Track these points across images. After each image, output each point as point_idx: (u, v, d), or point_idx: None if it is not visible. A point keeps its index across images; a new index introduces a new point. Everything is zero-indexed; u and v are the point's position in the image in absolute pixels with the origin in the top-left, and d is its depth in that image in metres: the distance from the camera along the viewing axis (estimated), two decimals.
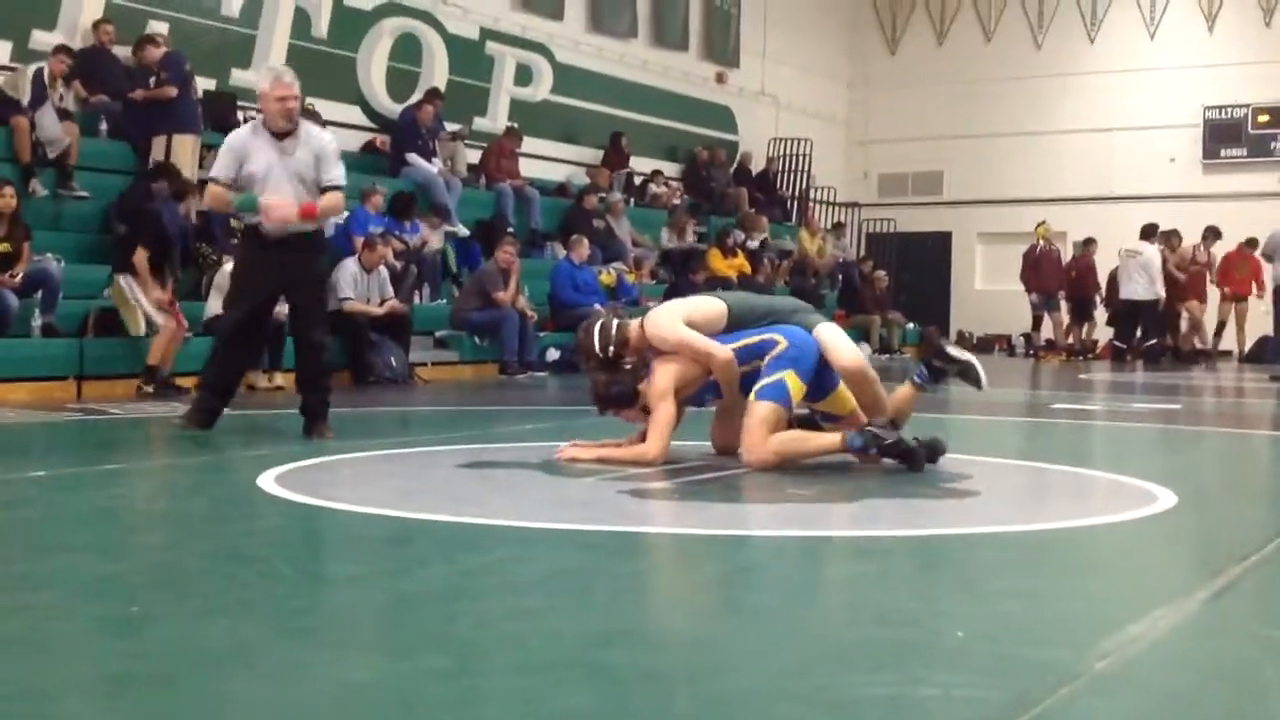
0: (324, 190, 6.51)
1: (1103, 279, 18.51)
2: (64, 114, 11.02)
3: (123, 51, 12.04)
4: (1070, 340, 18.95)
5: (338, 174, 6.56)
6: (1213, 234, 18.18)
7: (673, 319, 5.72)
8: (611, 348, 5.71)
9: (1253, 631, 2.97)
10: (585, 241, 14.20)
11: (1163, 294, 17.47)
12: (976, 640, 2.76)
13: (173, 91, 11.38)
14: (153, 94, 11.40)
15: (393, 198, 13.08)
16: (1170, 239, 18.19)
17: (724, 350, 5.59)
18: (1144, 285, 17.28)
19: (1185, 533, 4.46)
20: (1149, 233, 17.59)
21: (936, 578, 3.52)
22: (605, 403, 5.79)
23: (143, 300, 9.57)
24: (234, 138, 6.65)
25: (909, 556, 3.84)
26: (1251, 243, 17.48)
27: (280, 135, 6.42)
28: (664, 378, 5.62)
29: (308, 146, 6.47)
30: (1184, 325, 18.18)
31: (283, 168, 6.39)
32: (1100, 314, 18.79)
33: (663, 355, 5.69)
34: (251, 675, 2.47)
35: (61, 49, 11.27)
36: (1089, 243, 18.52)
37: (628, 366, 5.75)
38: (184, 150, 11.34)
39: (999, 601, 3.19)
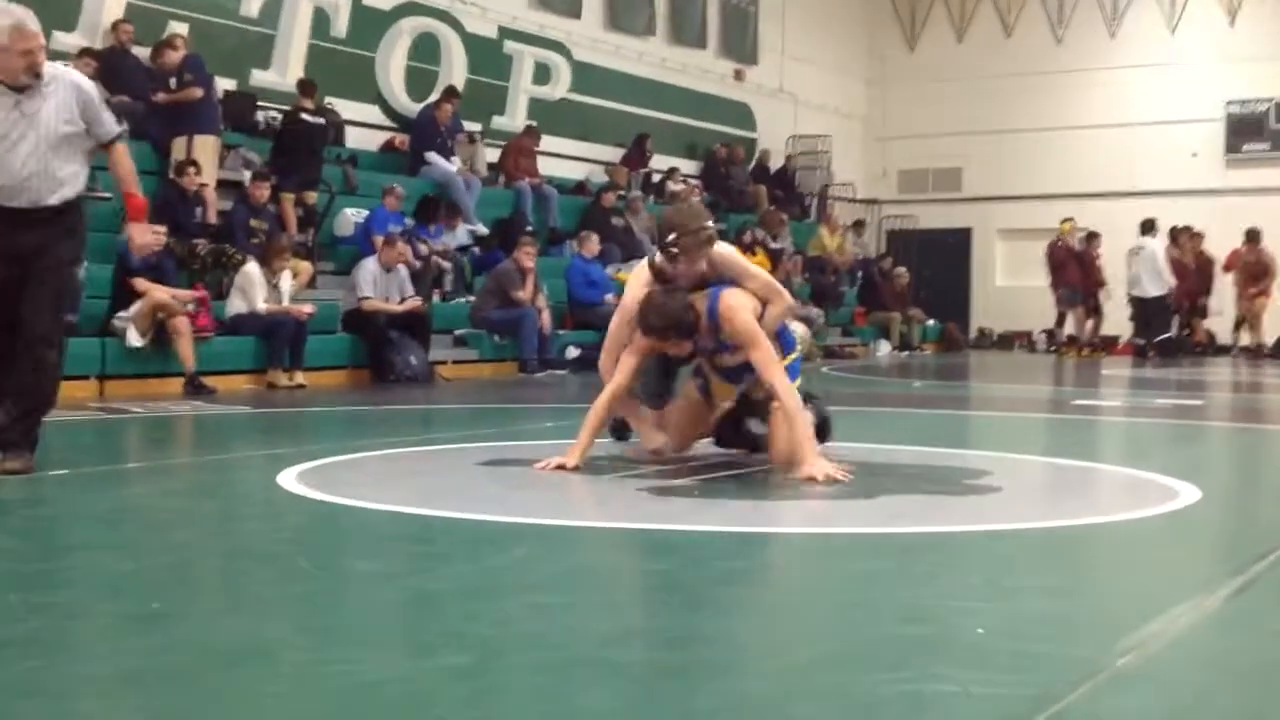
0: (106, 145, 5.32)
1: (1110, 274, 18.45)
2: None
3: (141, 52, 12.09)
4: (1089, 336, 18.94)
5: (112, 121, 5.38)
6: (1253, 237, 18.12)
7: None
8: (705, 225, 5.18)
9: (1274, 628, 2.95)
10: (594, 236, 14.20)
11: (1173, 283, 17.43)
12: (997, 637, 2.75)
13: (199, 93, 11.42)
14: (178, 96, 11.44)
15: (418, 201, 13.12)
16: (1180, 236, 18.13)
17: (786, 294, 5.48)
18: (1149, 281, 17.25)
19: (1207, 529, 4.43)
20: (1148, 227, 17.57)
21: (957, 574, 3.51)
22: (673, 328, 5.18)
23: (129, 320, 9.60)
24: None
25: (929, 553, 3.83)
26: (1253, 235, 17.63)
27: (19, 87, 5.11)
28: (748, 309, 5.20)
29: (58, 95, 5.16)
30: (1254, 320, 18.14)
31: (27, 126, 5.09)
32: (1111, 309, 18.75)
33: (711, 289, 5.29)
34: (271, 673, 2.47)
35: (86, 51, 11.31)
36: (1093, 237, 18.43)
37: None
38: (205, 151, 11.39)
39: (1020, 598, 3.18)
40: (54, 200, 5.15)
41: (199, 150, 11.32)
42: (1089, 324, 18.67)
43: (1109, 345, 18.70)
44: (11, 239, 5.09)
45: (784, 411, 5.13)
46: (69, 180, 5.20)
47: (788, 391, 5.13)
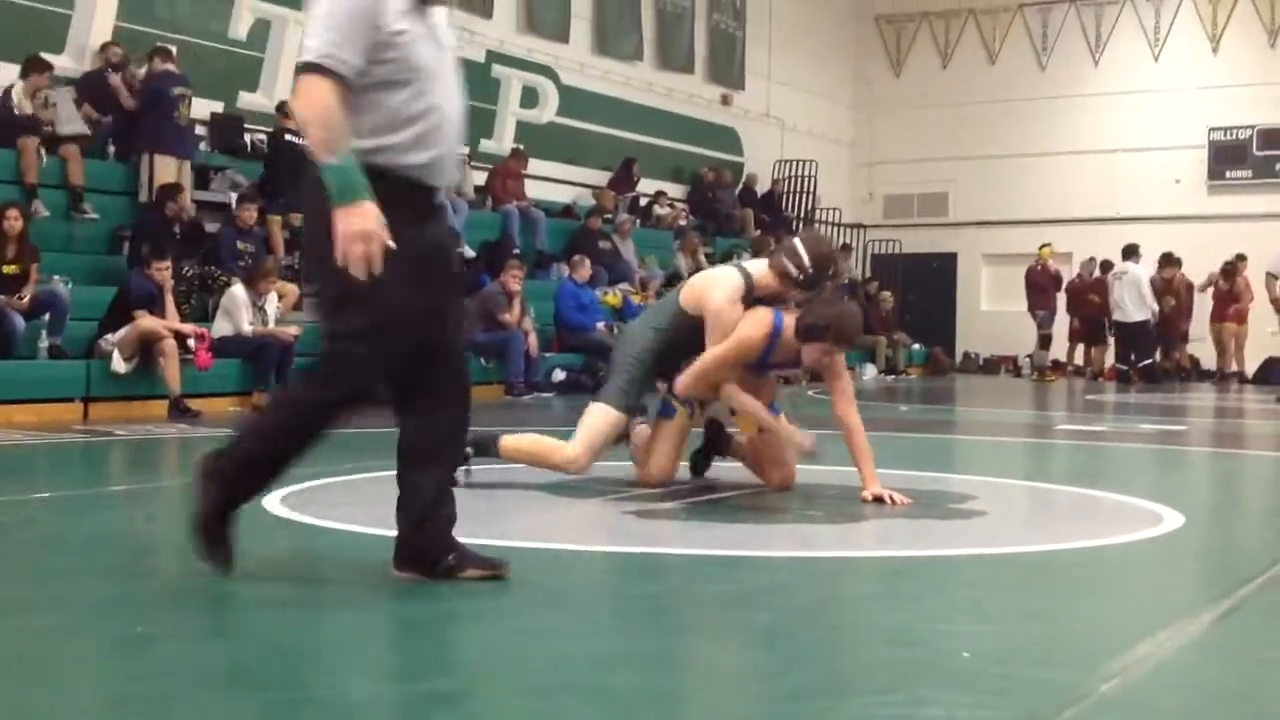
0: None
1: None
2: (51, 135, 11.01)
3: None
4: (1081, 361, 19.06)
5: None
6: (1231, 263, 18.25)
7: None
8: None
9: (1259, 653, 2.96)
10: (586, 261, 14.23)
11: (1155, 308, 17.53)
12: (984, 661, 2.75)
13: (131, 104, 11.44)
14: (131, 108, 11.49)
15: None
16: (1168, 262, 18.24)
17: None
18: (1132, 305, 17.35)
19: (1192, 554, 4.45)
20: (1130, 252, 17.68)
21: (944, 598, 3.51)
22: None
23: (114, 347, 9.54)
24: None
25: (917, 577, 3.83)
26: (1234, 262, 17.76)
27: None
28: None
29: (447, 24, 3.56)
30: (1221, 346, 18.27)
31: (449, 67, 3.53)
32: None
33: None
34: (255, 697, 2.46)
35: (35, 60, 11.01)
36: (1106, 264, 18.45)
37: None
38: (165, 173, 11.29)
39: (1006, 622, 3.18)
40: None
41: (160, 171, 11.24)
42: (1088, 351, 18.82)
43: (1101, 371, 18.75)
44: (437, 235, 3.51)
45: (856, 442, 5.23)
46: None
47: (859, 428, 5.27)
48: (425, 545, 3.47)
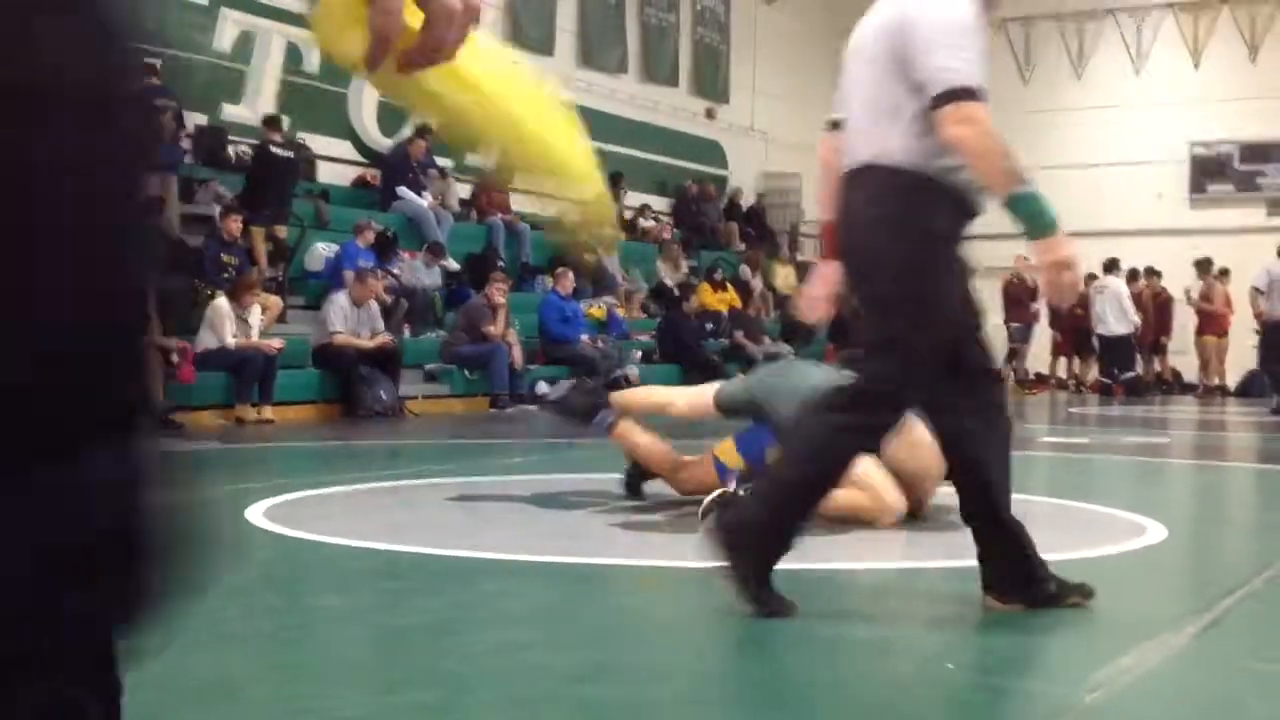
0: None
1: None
2: None
3: None
4: (1064, 374, 19.15)
5: None
6: (1203, 267, 18.34)
7: None
8: None
9: (1242, 665, 2.97)
10: (570, 273, 14.24)
11: (1138, 322, 17.63)
12: (967, 672, 2.75)
13: None
14: None
15: (377, 236, 13.05)
16: (1148, 275, 18.34)
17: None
18: (1114, 319, 17.44)
19: (1175, 566, 4.46)
20: (1111, 266, 17.79)
21: (926, 610, 3.51)
22: None
23: None
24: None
25: (899, 589, 3.83)
26: (1210, 268, 17.87)
27: None
28: None
29: None
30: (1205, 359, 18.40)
31: None
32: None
33: None
34: (239, 710, 2.45)
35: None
36: (1089, 277, 18.55)
37: None
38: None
39: (989, 634, 3.18)
40: None
41: None
42: (1071, 363, 18.91)
43: (1037, 384, 18.89)
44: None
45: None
46: None
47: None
48: (1032, 571, 3.34)
